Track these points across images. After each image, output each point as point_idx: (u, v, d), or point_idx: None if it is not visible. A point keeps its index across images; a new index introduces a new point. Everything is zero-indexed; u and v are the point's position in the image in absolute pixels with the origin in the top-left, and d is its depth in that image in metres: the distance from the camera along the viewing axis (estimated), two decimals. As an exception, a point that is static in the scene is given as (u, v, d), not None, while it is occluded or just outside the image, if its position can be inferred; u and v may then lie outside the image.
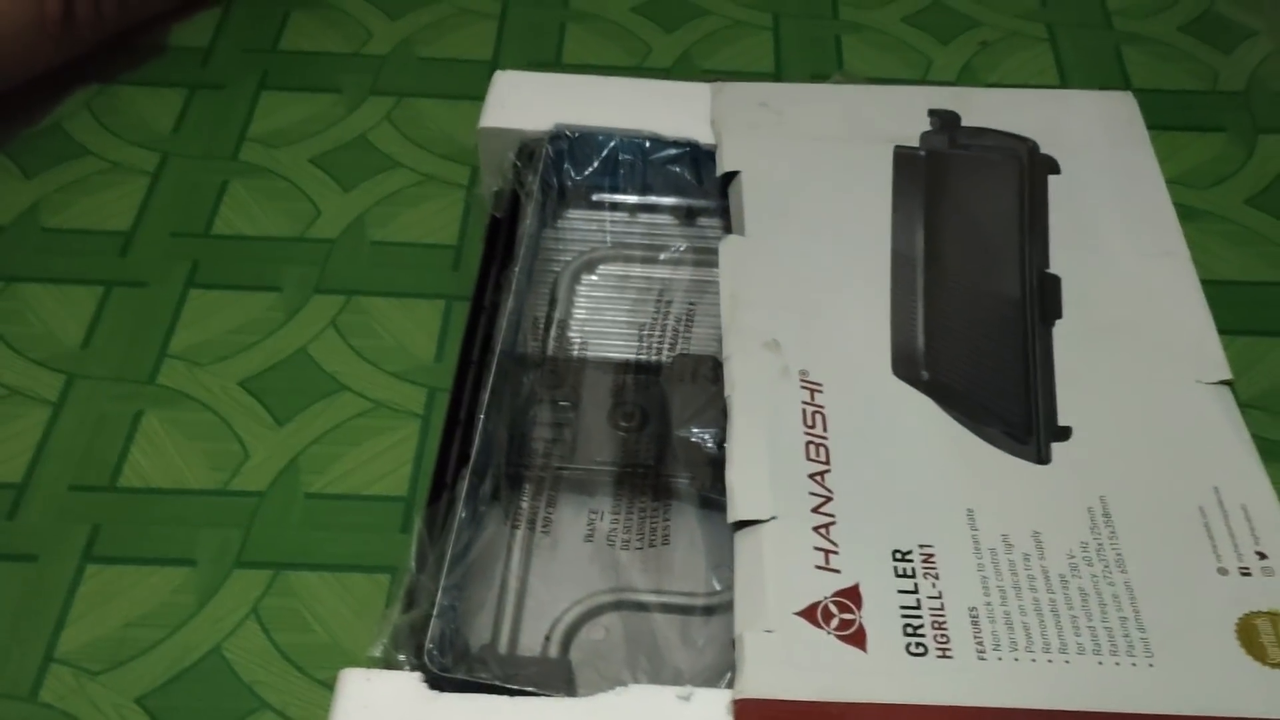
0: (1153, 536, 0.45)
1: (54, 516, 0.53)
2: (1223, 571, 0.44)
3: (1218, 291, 0.62)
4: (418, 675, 0.41)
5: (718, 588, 0.48)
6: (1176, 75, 0.75)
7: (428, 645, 0.42)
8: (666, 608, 0.47)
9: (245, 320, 0.61)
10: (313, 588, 0.51)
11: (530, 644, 0.46)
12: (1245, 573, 0.44)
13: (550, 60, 0.76)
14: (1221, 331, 0.53)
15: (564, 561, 0.49)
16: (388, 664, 0.42)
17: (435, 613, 0.43)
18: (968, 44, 0.77)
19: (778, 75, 0.75)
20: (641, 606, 0.47)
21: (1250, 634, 0.42)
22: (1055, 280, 0.54)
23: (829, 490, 0.46)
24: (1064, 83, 0.75)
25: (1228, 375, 0.50)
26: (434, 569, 0.44)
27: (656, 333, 0.56)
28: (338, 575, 0.52)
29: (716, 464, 0.48)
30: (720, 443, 0.48)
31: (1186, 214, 0.67)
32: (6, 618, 0.50)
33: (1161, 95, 0.74)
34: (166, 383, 0.58)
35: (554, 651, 0.46)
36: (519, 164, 0.59)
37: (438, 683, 0.41)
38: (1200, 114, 0.73)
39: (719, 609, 0.47)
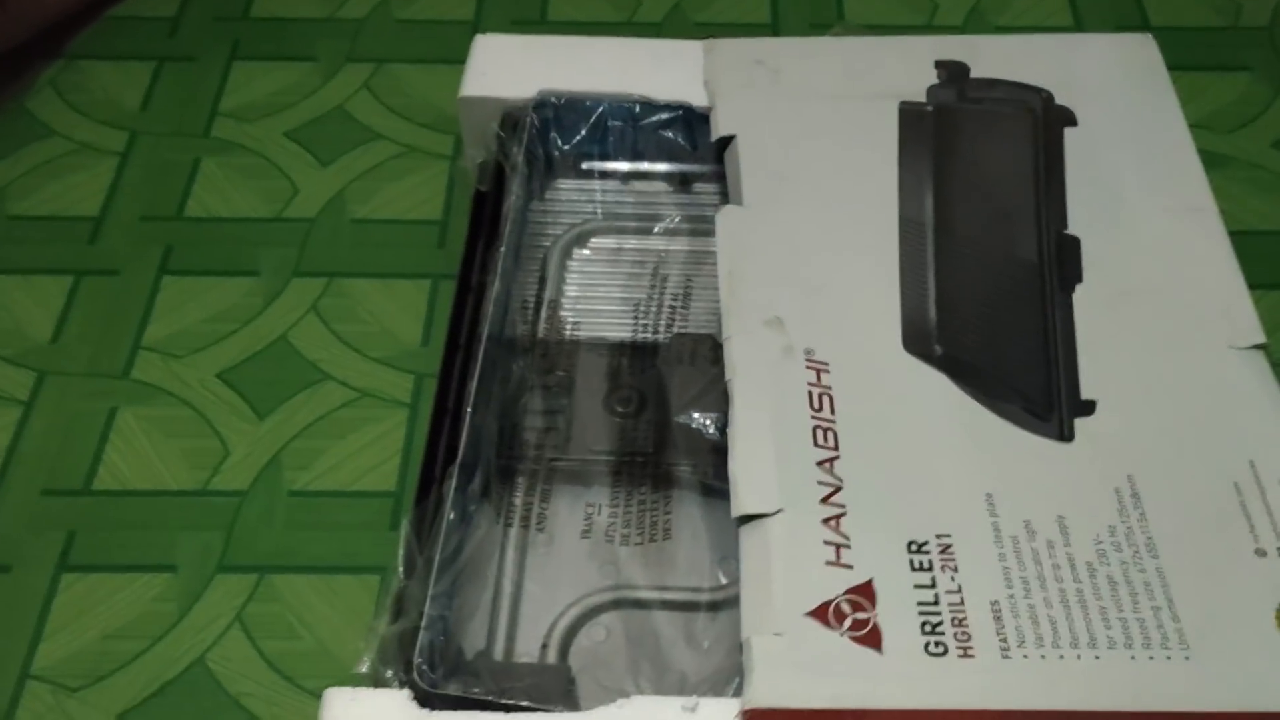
0: (1185, 517, 0.42)
1: (26, 524, 0.51)
2: (1260, 553, 0.41)
3: (1246, 243, 0.59)
4: (406, 692, 0.39)
5: (723, 581, 0.45)
6: (1197, 11, 0.71)
7: (416, 660, 0.39)
8: (669, 605, 0.45)
9: (222, 308, 0.58)
10: (299, 591, 0.49)
11: (528, 649, 0.44)
12: (1285, 554, 0.41)
13: (535, 18, 0.72)
14: (1252, 287, 0.50)
15: (560, 560, 0.46)
16: (375, 680, 0.40)
17: (424, 624, 0.40)
18: (975, -14, 0.73)
19: (775, 26, 0.72)
20: (643, 605, 0.45)
21: (1292, 621, 0.40)
22: (1074, 242, 0.50)
23: (838, 479, 0.43)
24: (1078, 21, 0.71)
25: (1262, 339, 0.47)
26: (422, 576, 0.42)
27: (652, 310, 0.53)
28: (325, 577, 0.49)
29: (719, 450, 0.45)
30: (722, 428, 0.45)
31: (1211, 161, 0.63)
32: (-20, 634, 0.48)
33: (1181, 33, 0.70)
34: (141, 377, 0.56)
35: (552, 657, 0.44)
36: (503, 134, 0.56)
37: (428, 699, 0.38)
38: (1223, 52, 0.69)
39: (725, 604, 0.45)
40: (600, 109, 0.56)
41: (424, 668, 0.39)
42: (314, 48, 0.70)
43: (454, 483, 0.44)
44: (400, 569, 0.42)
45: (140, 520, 0.51)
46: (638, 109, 0.56)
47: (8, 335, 0.57)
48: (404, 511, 0.49)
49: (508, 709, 0.38)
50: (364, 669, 0.40)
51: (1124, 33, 0.60)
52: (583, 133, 0.57)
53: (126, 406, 0.55)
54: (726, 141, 0.54)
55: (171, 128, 0.66)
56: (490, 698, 0.39)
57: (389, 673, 0.40)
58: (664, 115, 0.56)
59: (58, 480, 0.52)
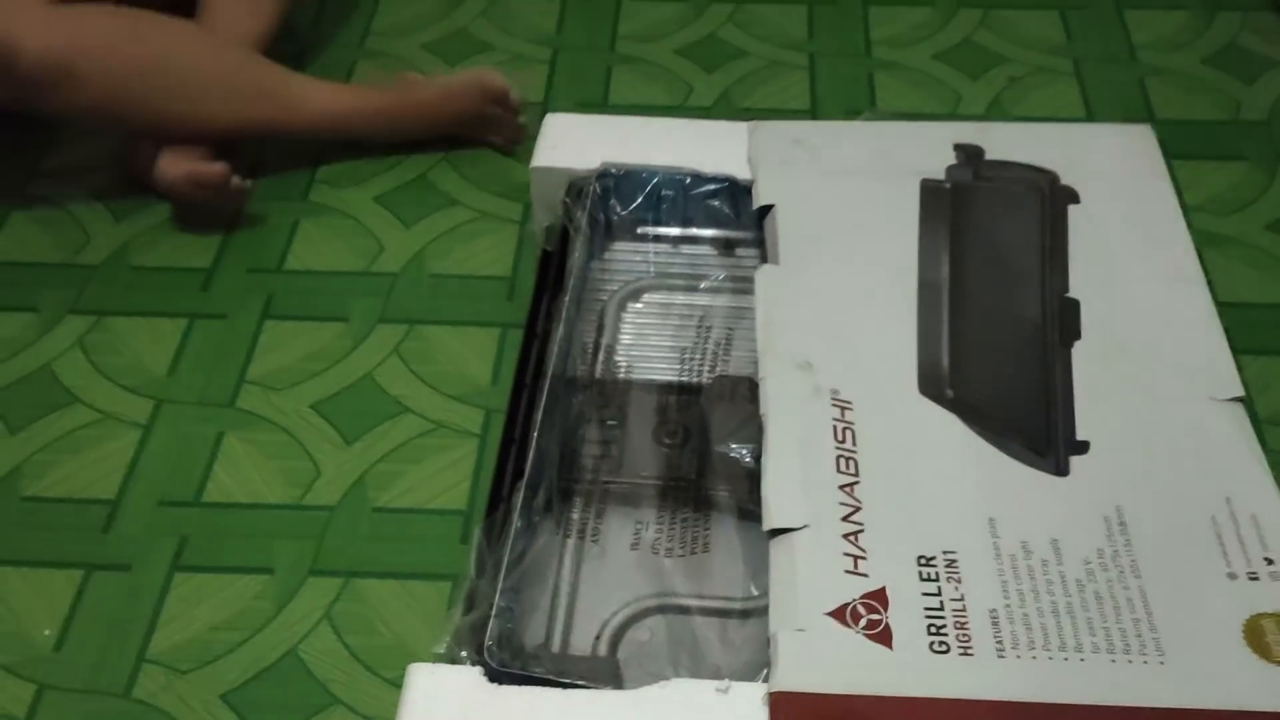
0: (1166, 544, 0.48)
1: (145, 530, 0.58)
2: (1232, 576, 0.47)
3: (1239, 313, 0.65)
4: (478, 670, 0.45)
5: (755, 592, 0.51)
6: (1200, 106, 0.78)
7: (487, 643, 0.45)
8: (707, 610, 0.51)
9: (316, 348, 0.66)
10: (380, 594, 0.55)
11: (581, 644, 0.50)
12: (1253, 577, 0.47)
13: (598, 101, 0.81)
14: (1243, 352, 0.56)
15: (612, 568, 0.52)
16: (451, 660, 0.46)
17: (494, 613, 0.46)
18: (996, 79, 0.81)
19: (813, 112, 0.79)
20: (683, 609, 0.51)
21: (1257, 634, 0.45)
22: (1074, 304, 0.57)
23: (858, 500, 0.49)
24: (1090, 115, 0.78)
25: (1240, 392, 0.53)
26: (492, 574, 0.48)
27: (697, 356, 0.60)
28: (403, 582, 0.56)
29: (754, 477, 0.52)
30: (757, 457, 0.52)
31: (1209, 240, 0.69)
32: (103, 622, 0.55)
33: (1185, 126, 0.77)
34: (245, 406, 0.63)
35: (603, 650, 0.50)
36: (568, 201, 0.63)
37: (497, 676, 0.45)
38: (1223, 143, 0.76)
39: (756, 612, 0.50)
40: (655, 180, 0.64)
41: (494, 649, 0.45)
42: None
43: (521, 496, 0.51)
44: (473, 569, 0.49)
45: (243, 529, 0.58)
46: (688, 180, 0.64)
47: (131, 369, 0.65)
48: (473, 527, 0.55)
49: (565, 686, 0.44)
50: (441, 650, 0.46)
51: (1126, 123, 0.67)
52: (639, 200, 0.65)
53: (232, 431, 0.62)
54: (767, 210, 0.61)
55: (274, 193, 0.75)
56: (550, 677, 0.45)
57: (463, 653, 0.46)
58: (711, 186, 0.64)
59: (172, 493, 0.60)
